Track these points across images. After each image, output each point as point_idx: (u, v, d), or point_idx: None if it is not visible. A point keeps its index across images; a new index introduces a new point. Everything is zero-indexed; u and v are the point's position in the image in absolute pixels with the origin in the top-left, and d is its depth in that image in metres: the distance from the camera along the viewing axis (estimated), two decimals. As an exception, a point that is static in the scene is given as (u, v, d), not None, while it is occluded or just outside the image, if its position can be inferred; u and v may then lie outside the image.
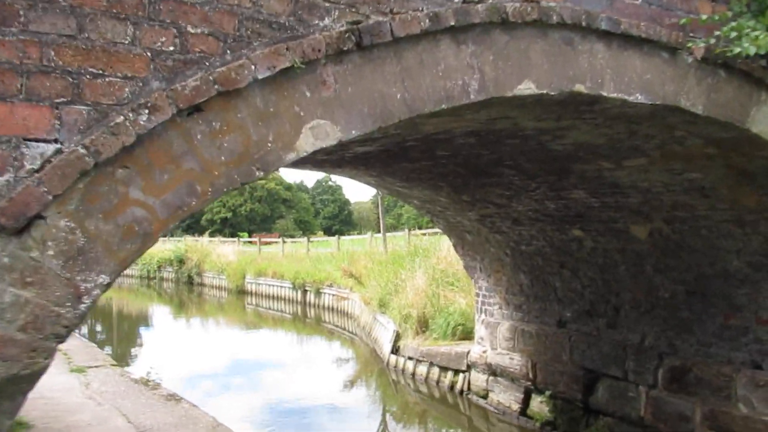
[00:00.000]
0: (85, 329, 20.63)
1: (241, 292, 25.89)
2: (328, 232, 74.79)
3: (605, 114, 3.49)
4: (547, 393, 7.35)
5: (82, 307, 2.35)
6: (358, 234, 33.24)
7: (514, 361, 7.93)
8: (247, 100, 2.48)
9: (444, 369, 9.78)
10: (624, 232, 6.06)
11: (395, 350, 11.36)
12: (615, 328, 6.74)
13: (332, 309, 19.68)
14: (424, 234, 20.61)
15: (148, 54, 2.32)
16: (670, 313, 6.12)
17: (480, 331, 8.82)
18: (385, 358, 11.83)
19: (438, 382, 9.91)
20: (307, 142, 2.59)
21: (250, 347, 16.88)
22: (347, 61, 2.65)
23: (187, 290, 29.59)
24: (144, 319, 22.97)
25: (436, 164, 6.12)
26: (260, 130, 2.51)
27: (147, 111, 2.26)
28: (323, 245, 27.17)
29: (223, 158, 2.45)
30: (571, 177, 5.41)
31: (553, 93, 3.02)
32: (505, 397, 8.21)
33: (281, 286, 23.01)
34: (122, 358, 15.07)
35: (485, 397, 8.69)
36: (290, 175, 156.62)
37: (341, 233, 34.69)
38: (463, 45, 2.83)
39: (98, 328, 21.67)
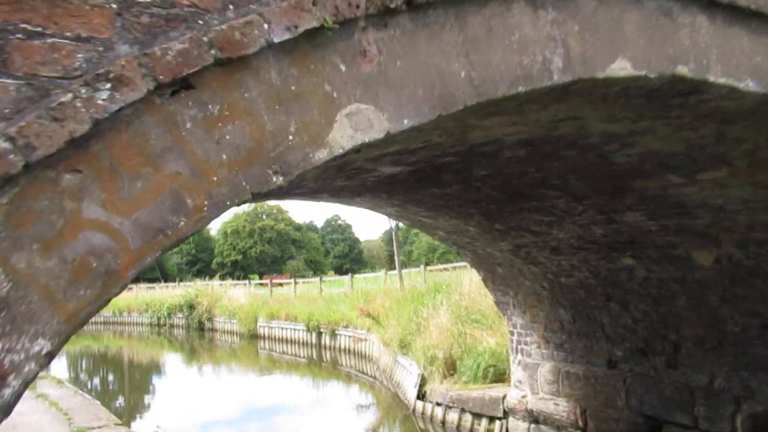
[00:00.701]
0: (97, 380, 19.87)
1: (254, 337, 25.07)
2: (339, 271, 74.03)
3: (697, 110, 2.85)
4: (601, 442, 6.53)
5: (7, 392, 1.58)
6: (371, 272, 32.42)
7: (559, 407, 7.12)
8: (259, 73, 1.81)
9: (477, 416, 8.95)
10: (684, 258, 5.34)
11: (421, 395, 10.52)
12: (676, 368, 5.96)
13: (349, 351, 18.82)
14: (443, 269, 19.87)
15: (114, 5, 1.65)
16: (742, 350, 5.35)
17: (517, 373, 8.02)
18: (411, 404, 10.99)
19: (471, 430, 9.06)
20: (343, 135, 1.91)
21: (264, 394, 16.06)
22: (394, 25, 1.99)
23: (198, 336, 28.80)
24: (155, 368, 22.17)
25: (469, 188, 5.48)
26: (278, 116, 1.83)
27: (109, 86, 1.58)
28: (336, 285, 26.41)
29: (224, 157, 1.76)
30: (628, 197, 4.74)
31: (652, 75, 2.38)
32: (550, 447, 7.38)
33: (295, 329, 22.20)
34: (134, 410, 14.30)
35: (527, 446, 7.85)
36: (300, 215, 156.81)
37: (353, 272, 34.02)
38: (542, 10, 2.20)
39: (110, 377, 20.90)
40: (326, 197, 6.52)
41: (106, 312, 38.55)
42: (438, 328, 10.88)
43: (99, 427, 8.38)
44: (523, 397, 7.82)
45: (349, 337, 18.66)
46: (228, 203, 1.83)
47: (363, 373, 16.73)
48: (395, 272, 24.70)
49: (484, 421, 8.80)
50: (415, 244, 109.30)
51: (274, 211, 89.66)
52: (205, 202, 1.76)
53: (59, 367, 23.31)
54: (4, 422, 3.39)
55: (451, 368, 10.09)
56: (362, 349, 17.68)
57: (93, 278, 1.62)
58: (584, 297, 6.82)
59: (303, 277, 38.41)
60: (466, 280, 13.64)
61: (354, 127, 1.93)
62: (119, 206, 1.61)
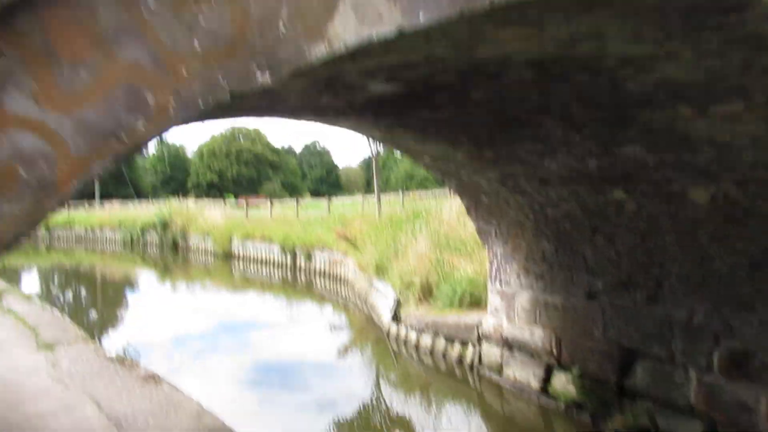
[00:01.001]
0: (69, 296, 19.71)
1: (228, 256, 24.98)
2: (316, 195, 73.82)
3: (731, 34, 2.56)
4: (575, 371, 6.57)
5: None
6: (349, 196, 32.20)
7: (535, 335, 7.13)
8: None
9: (451, 340, 9.01)
10: (679, 195, 5.17)
11: (396, 319, 10.56)
12: (656, 302, 5.92)
13: (324, 274, 18.86)
14: (422, 196, 19.75)
15: None
16: (727, 289, 5.30)
17: (494, 301, 8.00)
18: (385, 327, 11.05)
19: (444, 354, 9.15)
20: (346, 27, 1.56)
21: (238, 311, 16.10)
22: None
23: (172, 255, 28.63)
24: (129, 285, 22.06)
25: (462, 113, 5.17)
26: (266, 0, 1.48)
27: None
28: (313, 208, 26.23)
29: (197, 46, 1.42)
30: (631, 128, 4.49)
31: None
32: (523, 373, 7.45)
33: (270, 250, 22.11)
34: (107, 324, 14.23)
35: (499, 372, 7.93)
36: (278, 139, 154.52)
37: (330, 196, 33.72)
38: None
39: (82, 293, 20.75)
40: (309, 116, 6.16)
41: (79, 228, 38.09)
42: (416, 254, 10.81)
43: (67, 343, 8.22)
44: (499, 324, 7.82)
45: (325, 259, 18.64)
46: (200, 103, 1.48)
47: (338, 295, 16.81)
48: (373, 197, 24.57)
49: (458, 346, 8.86)
50: (393, 171, 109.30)
51: (252, 133, 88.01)
52: (171, 100, 1.42)
53: (31, 282, 23.06)
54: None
55: (427, 294, 10.09)
56: (338, 272, 17.70)
57: (21, 191, 1.30)
58: (569, 229, 6.69)
59: (280, 199, 38.12)
60: (446, 208, 13.53)
61: (360, 18, 1.58)
62: (57, 101, 1.26)
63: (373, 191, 25.34)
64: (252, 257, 23.41)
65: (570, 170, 5.83)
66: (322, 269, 18.95)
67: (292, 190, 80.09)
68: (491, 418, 7.66)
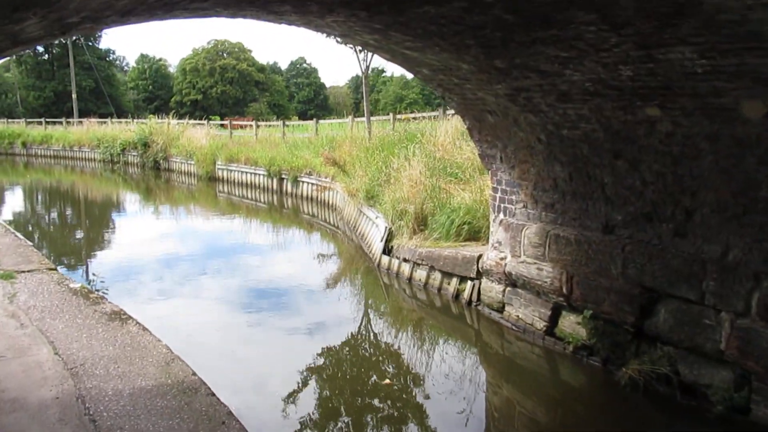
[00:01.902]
0: (46, 217, 18.88)
1: (212, 179, 24.05)
2: (303, 116, 72.17)
3: None
4: (587, 312, 5.96)
5: None
6: (337, 118, 30.91)
7: (543, 272, 6.47)
8: None
9: (448, 275, 8.39)
10: (728, 110, 4.36)
11: (388, 250, 9.91)
12: (685, 236, 5.22)
13: (311, 199, 18.09)
14: (414, 118, 18.72)
15: None
16: (772, 222, 4.59)
17: (497, 233, 7.30)
18: (376, 257, 10.41)
19: (440, 289, 8.55)
20: None
21: (224, 236, 15.45)
22: None
23: (153, 176, 27.61)
24: (108, 206, 21.18)
25: (473, 8, 4.24)
26: None
27: None
28: (300, 130, 25.12)
29: None
30: (687, 24, 3.61)
31: None
32: (527, 312, 6.86)
33: (255, 173, 21.20)
34: (84, 248, 13.49)
35: (500, 310, 7.35)
36: (263, 56, 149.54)
37: (317, 118, 32.42)
38: None
39: (57, 214, 19.89)
40: (291, 13, 5.18)
41: (56, 146, 36.73)
42: (410, 181, 10.01)
43: (29, 271, 7.51)
44: (502, 258, 7.16)
45: (312, 184, 17.82)
46: None
47: (325, 222, 16.12)
48: (362, 119, 23.49)
49: (455, 281, 8.25)
50: (382, 92, 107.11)
51: (236, 49, 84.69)
52: None
53: (3, 201, 22.11)
54: None
55: (421, 224, 9.38)
56: (325, 198, 16.95)
57: None
58: (587, 153, 5.90)
59: (266, 120, 36.73)
60: (441, 131, 12.64)
61: None
62: None
63: (362, 113, 24.23)
64: (237, 180, 22.51)
65: (597, 83, 4.96)
66: (310, 194, 18.16)
67: (279, 112, 78.12)
68: (490, 359, 7.13)
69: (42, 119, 43.89)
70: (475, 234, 8.70)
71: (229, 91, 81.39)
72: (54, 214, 19.05)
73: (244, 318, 8.62)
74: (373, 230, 11.30)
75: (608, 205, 5.92)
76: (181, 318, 8.11)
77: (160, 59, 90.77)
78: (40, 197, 23.62)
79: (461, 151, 11.81)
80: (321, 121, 24.50)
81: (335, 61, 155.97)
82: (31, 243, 8.95)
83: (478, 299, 7.77)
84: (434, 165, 10.69)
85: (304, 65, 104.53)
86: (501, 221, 7.23)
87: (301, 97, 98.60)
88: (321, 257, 12.91)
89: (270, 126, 26.96)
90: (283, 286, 10.52)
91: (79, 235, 15.45)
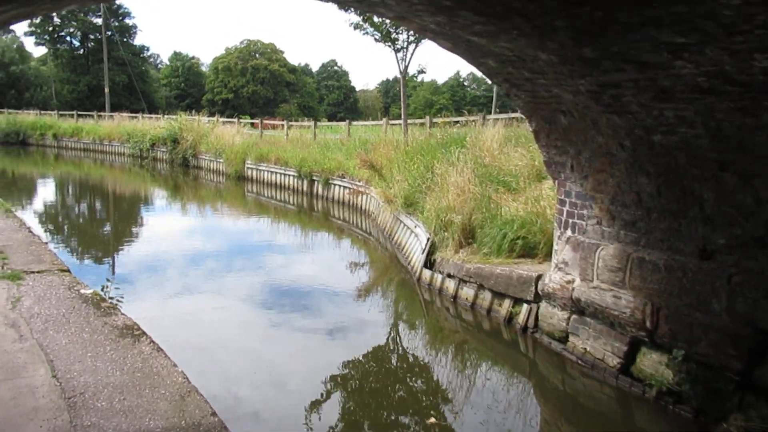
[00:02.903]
0: (68, 210, 18.43)
1: (241, 178, 23.45)
2: (332, 119, 71.72)
3: None
4: (678, 352, 5.02)
5: None
6: (367, 121, 29.98)
7: (621, 300, 5.54)
8: None
9: (499, 295, 7.48)
10: None
11: (430, 264, 9.04)
12: (813, 270, 4.27)
13: (343, 203, 17.30)
14: (452, 122, 17.81)
15: None
16: None
17: (563, 252, 6.39)
18: (415, 270, 9.55)
19: (489, 311, 7.65)
20: None
21: (251, 236, 14.80)
22: None
23: (182, 173, 27.15)
24: (136, 201, 20.68)
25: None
26: None
27: None
28: (332, 131, 24.39)
29: None
30: None
31: None
32: (597, 345, 5.92)
33: (285, 174, 20.50)
34: (104, 246, 12.88)
35: (562, 340, 6.42)
36: (295, 57, 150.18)
37: (345, 120, 31.56)
38: None
39: (84, 208, 19.45)
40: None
41: (86, 139, 36.65)
42: (456, 188, 9.13)
43: (38, 272, 6.81)
44: (569, 282, 6.24)
45: (345, 188, 17.03)
46: None
47: (357, 227, 15.32)
48: (398, 122, 22.67)
49: (507, 303, 7.34)
50: (411, 97, 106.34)
51: (269, 50, 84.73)
52: None
53: (30, 192, 21.77)
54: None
55: (468, 236, 8.49)
56: (358, 203, 16.14)
57: None
58: (684, 163, 4.97)
59: (296, 121, 36.16)
60: (488, 136, 11.73)
61: None
62: None
63: (392, 117, 23.44)
64: (266, 181, 21.85)
65: (714, 76, 4.05)
66: (341, 198, 17.38)
67: (308, 113, 77.91)
68: (547, 394, 6.21)
69: (74, 112, 43.97)
70: (530, 250, 7.78)
71: (260, 91, 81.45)
72: (78, 210, 18.55)
73: (268, 328, 8.07)
74: (412, 240, 10.45)
75: (707, 226, 4.98)
76: (202, 331, 7.35)
77: (194, 57, 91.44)
78: (66, 191, 23.25)
79: (509, 157, 10.89)
80: (354, 123, 23.75)
81: (366, 64, 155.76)
82: (45, 240, 8.29)
83: (536, 325, 6.86)
84: (482, 172, 9.80)
85: (335, 68, 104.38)
86: (568, 239, 6.31)
87: (331, 99, 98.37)
88: (353, 265, 12.08)
89: (301, 126, 26.26)
90: (313, 294, 9.82)
91: (101, 232, 14.86)
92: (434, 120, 19.47)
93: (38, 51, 72.27)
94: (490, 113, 16.92)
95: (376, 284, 10.83)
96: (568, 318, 6.30)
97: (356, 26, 15.88)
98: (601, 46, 4.36)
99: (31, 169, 30.02)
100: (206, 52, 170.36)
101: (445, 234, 8.86)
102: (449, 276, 8.37)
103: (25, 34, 66.69)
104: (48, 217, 16.14)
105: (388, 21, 15.38)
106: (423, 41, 15.76)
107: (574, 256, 6.20)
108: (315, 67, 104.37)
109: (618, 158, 5.57)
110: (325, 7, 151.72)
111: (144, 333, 5.12)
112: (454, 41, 5.41)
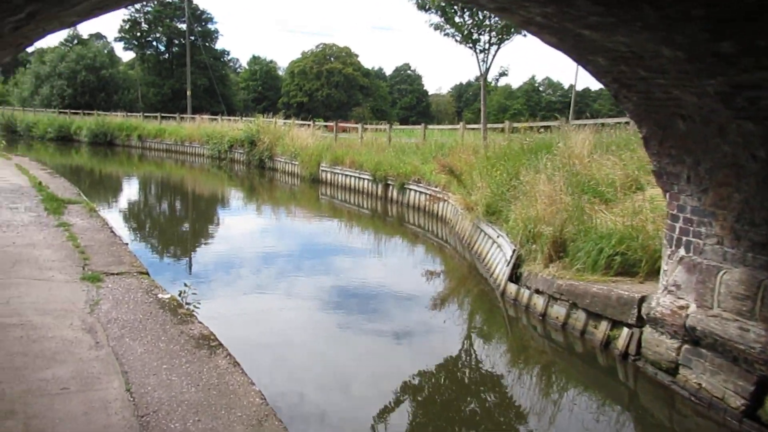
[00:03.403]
0: (148, 209, 18.92)
1: (315, 181, 23.47)
2: (404, 122, 71.64)
3: None
4: (822, 400, 4.29)
5: None
6: (439, 125, 29.40)
7: (749, 333, 4.83)
8: None
9: (595, 316, 6.84)
10: None
11: (516, 278, 8.47)
12: None
13: (418, 208, 16.89)
14: (533, 128, 17.05)
15: None
16: None
17: (675, 273, 5.70)
18: (499, 284, 9.01)
19: (583, 332, 7.01)
20: None
21: (324, 237, 14.65)
22: None
23: (258, 174, 27.55)
24: (213, 202, 21.05)
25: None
26: None
27: None
28: (407, 134, 24.04)
29: None
30: None
31: None
32: (715, 382, 5.22)
33: (360, 177, 20.31)
34: (182, 247, 13.01)
35: (671, 372, 5.74)
36: (369, 60, 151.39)
37: (418, 124, 31.12)
38: None
39: (164, 207, 19.96)
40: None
41: (168, 140, 37.96)
42: (547, 198, 8.52)
43: (118, 274, 6.75)
44: (681, 307, 5.55)
45: (421, 193, 16.61)
46: None
47: (433, 234, 14.86)
48: (475, 126, 22.08)
49: (605, 325, 6.69)
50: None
51: (343, 53, 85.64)
52: None
53: (113, 191, 22.58)
54: (8, 252, 6.16)
55: (559, 250, 7.87)
56: (434, 209, 15.68)
57: None
58: (834, 178, 4.25)
59: (369, 124, 36.11)
60: (577, 142, 11.02)
61: None
62: None
63: (465, 121, 22.81)
64: (340, 184, 21.75)
65: None
66: (417, 203, 16.97)
67: (381, 117, 78.20)
68: (651, 430, 5.56)
69: (158, 114, 45.72)
70: (630, 268, 7.09)
71: (334, 94, 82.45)
72: (158, 209, 19.02)
73: (338, 331, 7.95)
74: (494, 251, 9.89)
75: None
76: (279, 336, 7.12)
77: (271, 61, 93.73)
78: (147, 190, 23.99)
79: (600, 165, 10.16)
80: (429, 127, 23.31)
81: (439, 68, 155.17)
82: (125, 241, 8.30)
83: (638, 353, 6.19)
84: (574, 181, 9.14)
85: (408, 71, 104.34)
86: (681, 259, 5.63)
87: (404, 103, 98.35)
88: (428, 273, 11.63)
89: (376, 130, 26.05)
90: (385, 300, 9.62)
91: (180, 231, 15.08)
92: (514, 125, 18.80)
93: (127, 56, 75.97)
94: (567, 119, 16.08)
95: (453, 294, 10.35)
96: (679, 348, 5.61)
97: (436, 27, 15.46)
98: (745, 40, 3.73)
99: (116, 168, 31.29)
100: (283, 56, 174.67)
101: (533, 246, 8.27)
102: (538, 292, 7.78)
103: (115, 39, 70.20)
104: (130, 215, 16.58)
105: (469, 21, 14.89)
106: (506, 42, 15.14)
107: (688, 279, 5.51)
108: (388, 71, 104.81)
109: (747, 170, 4.87)
110: (400, 10, 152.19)
111: (220, 344, 4.86)
112: (561, 36, 4.87)
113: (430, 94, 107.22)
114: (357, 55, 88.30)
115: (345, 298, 9.45)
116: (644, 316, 6.09)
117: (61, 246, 7.54)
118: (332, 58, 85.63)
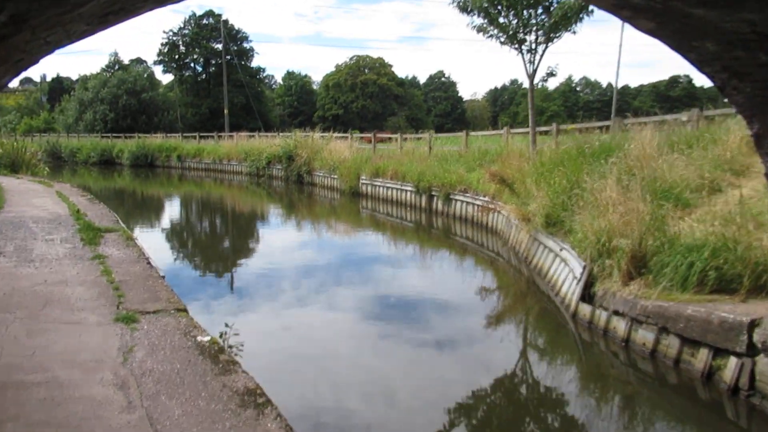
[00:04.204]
0: (187, 231, 18.61)
1: (355, 194, 22.89)
2: (440, 130, 70.91)
3: None
4: None
5: None
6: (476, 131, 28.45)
7: None
8: None
9: (692, 343, 5.94)
10: None
11: (588, 297, 7.61)
12: None
13: (465, 219, 16.08)
14: (583, 129, 16.07)
15: None
16: None
17: (797, 295, 4.79)
18: (567, 303, 8.16)
19: (678, 361, 6.11)
20: None
21: (370, 255, 13.99)
22: None
23: (296, 190, 27.15)
24: (252, 223, 20.62)
25: None
26: None
27: None
28: (448, 142, 23.25)
29: None
30: None
31: None
32: None
33: (402, 189, 19.61)
34: (222, 274, 12.52)
35: (799, 412, 4.81)
36: (402, 69, 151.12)
37: (453, 131, 30.13)
38: None
39: (203, 227, 19.64)
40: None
41: (207, 159, 38.05)
42: (622, 206, 7.63)
43: (154, 312, 6.17)
44: (811, 336, 4.64)
45: (468, 203, 15.79)
46: None
47: (483, 246, 14.03)
48: (520, 131, 21.19)
49: (705, 353, 5.78)
50: (521, 105, 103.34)
51: (377, 64, 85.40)
52: None
53: (153, 214, 22.40)
54: (38, 291, 5.93)
55: (640, 265, 6.98)
56: (484, 219, 14.84)
57: None
58: None
59: (405, 134, 35.43)
60: (643, 140, 10.07)
61: None
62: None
63: (500, 127, 21.90)
64: (381, 196, 21.10)
65: None
66: (463, 214, 16.16)
67: (417, 125, 77.62)
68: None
69: (196, 134, 46.03)
70: (727, 284, 6.17)
71: (369, 105, 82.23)
72: (196, 231, 18.59)
73: (394, 348, 7.51)
74: (558, 266, 9.03)
75: None
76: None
77: (305, 76, 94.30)
78: (187, 211, 23.75)
79: (671, 167, 9.21)
80: (472, 133, 22.49)
81: (474, 73, 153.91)
82: (162, 273, 7.74)
83: (752, 387, 5.27)
84: (645, 185, 8.23)
85: (443, 79, 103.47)
86: (806, 277, 4.72)
87: (438, 110, 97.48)
88: (482, 289, 10.84)
89: (418, 139, 25.32)
90: (437, 315, 8.97)
91: (219, 255, 14.57)
92: (561, 127, 17.86)
93: (166, 78, 77.38)
94: (623, 117, 15.02)
95: (511, 312, 9.54)
96: (810, 384, 4.70)
97: (479, 29, 14.69)
98: None
99: (157, 189, 31.37)
100: (317, 71, 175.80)
101: (607, 261, 7.39)
102: (617, 314, 6.90)
103: (154, 63, 71.46)
104: (168, 240, 16.17)
105: (515, 21, 14.08)
106: (554, 41, 14.26)
107: (819, 302, 4.60)
108: (422, 79, 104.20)
109: None
110: (434, 18, 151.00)
111: (268, 402, 4.18)
112: (663, 19, 4.06)
113: (465, 100, 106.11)
114: (391, 65, 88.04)
115: (395, 314, 9.00)
116: (758, 344, 5.18)
117: (95, 282, 7.02)
118: (366, 70, 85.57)
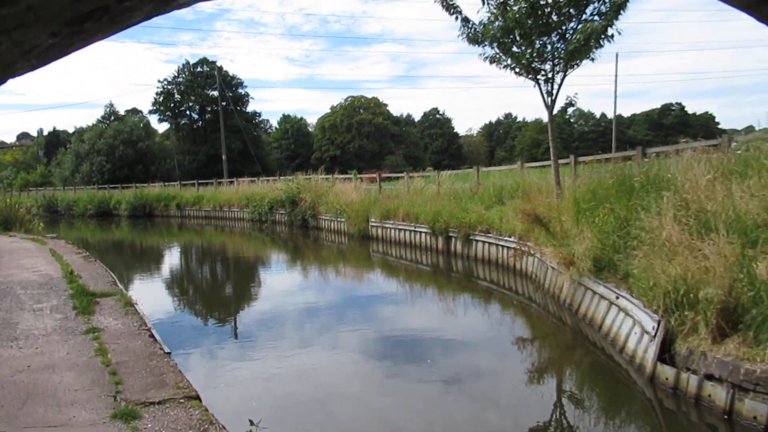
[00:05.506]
0: (191, 286, 17.46)
1: (364, 237, 21.86)
2: (438, 167, 70.45)
3: None
4: None
5: None
6: (469, 168, 27.66)
7: None
8: None
9: (823, 417, 4.83)
10: None
11: (667, 358, 6.50)
12: None
13: (489, 261, 15.01)
14: (602, 160, 15.18)
15: None
16: None
17: None
18: (640, 363, 7.03)
19: (803, 441, 4.99)
20: None
21: (383, 300, 12.83)
22: None
23: (301, 234, 26.12)
24: (255, 274, 19.46)
25: None
26: None
27: None
28: (461, 179, 22.32)
29: None
30: None
31: None
32: None
33: (416, 231, 18.59)
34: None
35: None
36: (397, 107, 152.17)
37: (451, 168, 29.57)
38: None
39: (207, 281, 18.50)
40: None
41: (207, 206, 37.11)
42: (703, 248, 6.59)
43: (159, 403, 5.06)
44: None
45: (491, 244, 14.75)
46: None
47: (512, 291, 12.93)
48: (534, 164, 20.37)
49: (843, 431, 4.67)
50: (516, 138, 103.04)
51: (372, 104, 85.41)
52: None
53: (155, 268, 21.24)
54: (19, 382, 4.56)
55: (732, 319, 5.91)
56: (509, 261, 13.78)
57: None
58: None
59: (400, 173, 34.65)
60: (698, 171, 9.08)
61: None
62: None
63: (496, 163, 21.09)
64: (393, 239, 20.06)
65: None
66: (486, 256, 15.10)
67: (414, 163, 77.18)
68: None
69: (194, 181, 45.25)
70: None
71: (366, 145, 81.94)
72: (200, 287, 17.32)
73: (421, 406, 6.56)
74: (617, 317, 7.95)
75: None
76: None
77: (301, 119, 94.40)
78: (187, 264, 22.55)
79: (731, 198, 8.21)
80: (483, 169, 21.61)
81: (467, 109, 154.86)
82: (168, 350, 6.60)
83: None
84: (714, 222, 7.21)
85: (437, 116, 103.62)
86: None
87: (435, 147, 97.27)
88: (519, 340, 9.72)
89: (425, 177, 24.44)
90: (472, 372, 7.85)
91: (228, 318, 13.36)
92: (580, 159, 17.01)
93: (162, 127, 77.23)
94: (646, 150, 14.14)
95: (557, 367, 8.43)
96: None
97: (492, 60, 13.89)
98: None
99: (156, 239, 30.29)
100: (312, 113, 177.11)
101: (687, 314, 6.31)
102: (711, 378, 5.80)
103: (150, 112, 71.31)
104: (171, 301, 14.81)
105: (530, 50, 13.30)
106: (574, 68, 13.47)
107: None
108: (417, 117, 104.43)
109: None
110: (425, 56, 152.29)
111: None
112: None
113: (460, 135, 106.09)
114: (386, 104, 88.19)
115: (423, 369, 8.00)
116: None
117: (88, 365, 5.92)
118: (361, 110, 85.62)
